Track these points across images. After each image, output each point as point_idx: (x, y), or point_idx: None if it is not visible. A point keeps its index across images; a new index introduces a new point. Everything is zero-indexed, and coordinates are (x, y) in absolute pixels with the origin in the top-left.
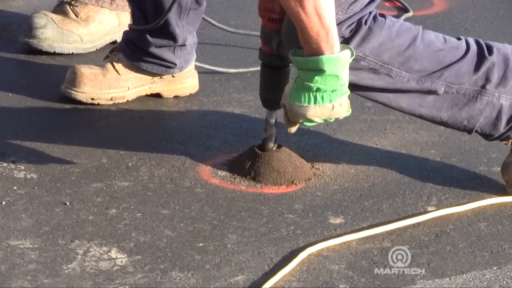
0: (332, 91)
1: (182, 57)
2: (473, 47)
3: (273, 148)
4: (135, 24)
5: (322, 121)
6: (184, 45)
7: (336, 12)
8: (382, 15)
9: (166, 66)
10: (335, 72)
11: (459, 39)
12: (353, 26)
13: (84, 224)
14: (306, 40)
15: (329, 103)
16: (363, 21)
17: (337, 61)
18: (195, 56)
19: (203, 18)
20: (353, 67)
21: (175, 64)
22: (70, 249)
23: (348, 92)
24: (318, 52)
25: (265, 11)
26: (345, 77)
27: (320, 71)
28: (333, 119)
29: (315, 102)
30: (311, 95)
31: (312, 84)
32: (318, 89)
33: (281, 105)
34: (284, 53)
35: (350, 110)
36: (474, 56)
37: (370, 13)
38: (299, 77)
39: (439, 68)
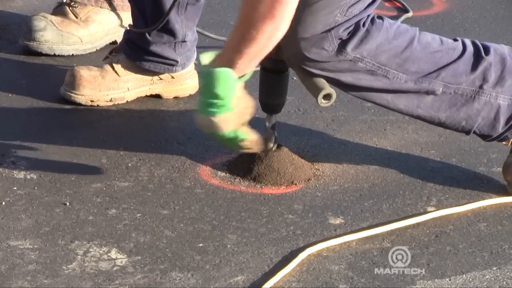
0: (210, 104)
1: (183, 54)
2: (470, 48)
3: (273, 149)
4: (135, 24)
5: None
6: (184, 41)
7: (335, 15)
8: (380, 17)
9: (168, 64)
10: (206, 83)
11: (455, 40)
12: (351, 28)
13: (84, 224)
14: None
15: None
16: (361, 24)
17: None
18: (196, 53)
19: (201, 33)
20: (350, 69)
21: (177, 62)
22: (70, 250)
23: (231, 110)
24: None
25: None
26: (222, 92)
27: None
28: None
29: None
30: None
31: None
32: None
33: None
34: (283, 57)
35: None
36: (471, 57)
37: (368, 15)
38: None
39: (435, 69)
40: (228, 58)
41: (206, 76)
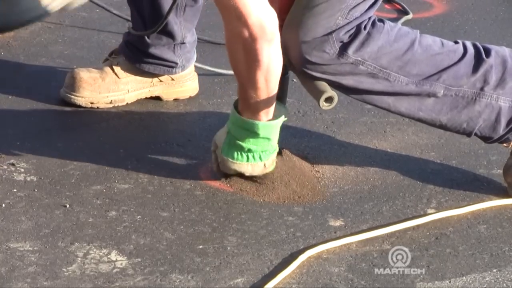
0: (263, 151)
1: (183, 55)
2: (471, 50)
3: None
4: (134, 26)
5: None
6: (183, 43)
7: (336, 17)
8: (381, 20)
9: (167, 66)
10: (268, 136)
11: (456, 42)
12: (352, 31)
13: (84, 226)
14: (247, 103)
15: (260, 161)
16: (362, 26)
17: (271, 127)
18: (195, 55)
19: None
20: (352, 72)
21: (177, 63)
22: (70, 252)
23: (277, 149)
24: (255, 117)
25: None
26: (275, 139)
27: (254, 134)
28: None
29: (247, 160)
30: (243, 153)
31: (244, 144)
32: (250, 150)
33: (212, 152)
34: (284, 60)
35: (274, 164)
36: (472, 59)
37: (369, 18)
38: (231, 133)
39: (436, 71)
40: (250, 113)
41: (264, 127)
